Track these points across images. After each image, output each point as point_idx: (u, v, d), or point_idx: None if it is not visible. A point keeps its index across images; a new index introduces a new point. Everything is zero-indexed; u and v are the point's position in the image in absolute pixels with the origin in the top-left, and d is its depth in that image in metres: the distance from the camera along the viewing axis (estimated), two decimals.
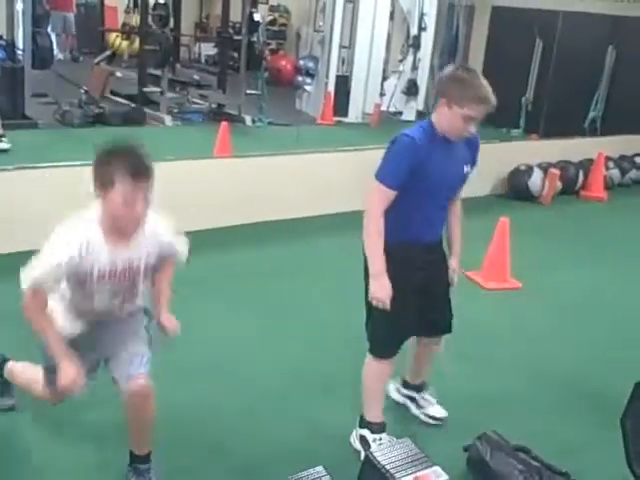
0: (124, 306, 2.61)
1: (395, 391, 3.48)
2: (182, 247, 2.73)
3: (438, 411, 3.36)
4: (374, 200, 2.77)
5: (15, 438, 2.99)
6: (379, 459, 2.48)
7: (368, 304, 2.90)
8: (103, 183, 2.32)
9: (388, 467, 2.45)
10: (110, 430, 2.98)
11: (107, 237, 2.41)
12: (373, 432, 3.05)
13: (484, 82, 2.74)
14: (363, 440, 3.06)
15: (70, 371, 2.41)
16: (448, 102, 2.72)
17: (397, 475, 2.43)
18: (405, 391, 3.45)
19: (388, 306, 2.77)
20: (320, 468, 2.50)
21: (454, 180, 2.94)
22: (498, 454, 2.94)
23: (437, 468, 2.51)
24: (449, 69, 2.89)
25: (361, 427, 3.09)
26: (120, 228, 2.41)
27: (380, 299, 2.78)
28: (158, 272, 2.70)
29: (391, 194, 2.75)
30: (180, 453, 2.98)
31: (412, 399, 3.42)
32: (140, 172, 2.30)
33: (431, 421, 3.34)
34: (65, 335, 2.51)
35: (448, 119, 2.75)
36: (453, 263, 3.13)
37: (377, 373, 3.05)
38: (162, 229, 2.61)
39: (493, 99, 2.73)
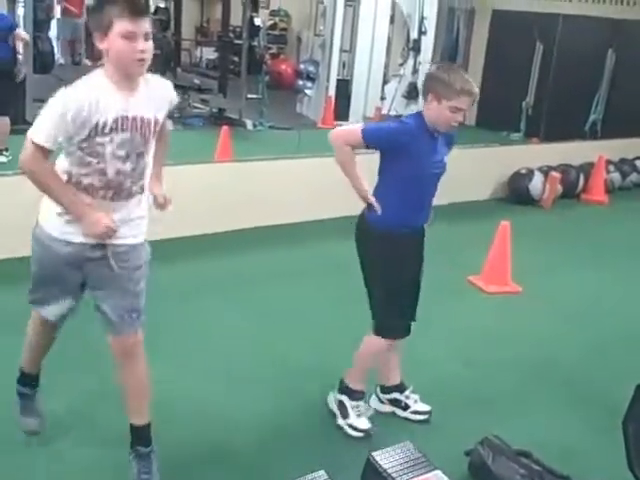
0: (135, 176, 2.52)
1: (377, 401, 3.49)
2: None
3: (422, 406, 3.42)
4: (343, 136, 3.05)
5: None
6: (381, 463, 2.49)
7: (373, 291, 3.17)
8: (102, 27, 2.34)
9: (390, 471, 2.46)
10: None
11: (115, 86, 2.40)
12: (352, 399, 3.28)
13: (466, 76, 3.02)
14: (341, 405, 3.30)
15: (98, 216, 2.42)
16: (437, 97, 2.96)
17: (399, 479, 2.43)
18: (387, 396, 3.47)
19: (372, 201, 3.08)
20: (322, 472, 2.50)
21: (438, 168, 3.16)
22: (500, 458, 2.94)
23: (438, 472, 2.52)
24: (433, 67, 3.20)
25: (340, 392, 3.32)
26: (126, 70, 2.39)
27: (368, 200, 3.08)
28: (157, 142, 2.68)
29: (361, 143, 3.01)
30: (180, 451, 2.99)
31: (397, 402, 3.44)
32: (136, 7, 2.33)
33: (418, 417, 3.39)
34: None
35: (438, 112, 2.98)
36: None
37: (377, 350, 3.27)
38: (169, 86, 2.64)
39: (476, 90, 2.99)
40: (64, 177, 2.47)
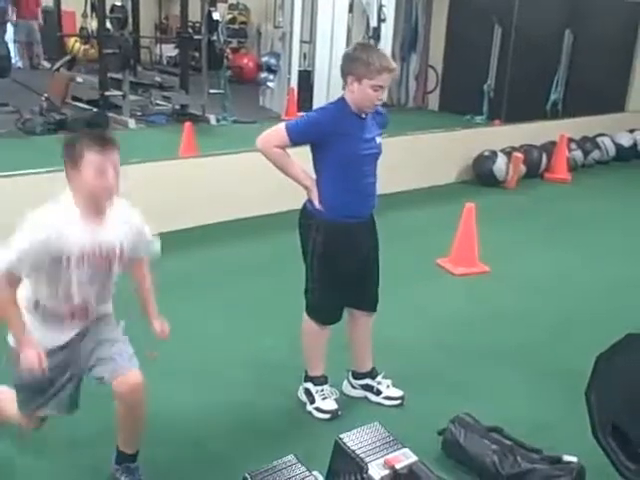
0: (99, 299, 2.59)
1: (349, 387, 3.54)
2: (154, 241, 2.77)
3: (395, 392, 3.46)
4: (269, 137, 3.10)
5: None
6: (349, 444, 2.51)
7: (309, 271, 3.24)
8: (73, 160, 2.38)
9: (358, 452, 2.49)
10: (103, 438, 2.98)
11: (82, 216, 2.43)
12: (316, 384, 3.38)
13: (382, 52, 3.09)
14: (307, 392, 3.40)
15: (31, 354, 2.42)
16: (357, 78, 2.99)
17: (367, 459, 2.47)
18: (359, 382, 3.52)
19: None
20: (291, 456, 2.53)
21: (371, 149, 3.17)
22: (472, 435, 3.00)
23: (407, 450, 2.55)
24: (348, 49, 3.19)
25: (305, 381, 3.42)
26: (94, 202, 2.42)
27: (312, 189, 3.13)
28: (136, 272, 2.76)
29: (286, 141, 3.06)
30: (150, 448, 3.00)
31: (369, 387, 3.49)
32: (106, 141, 2.40)
33: (392, 402, 3.44)
34: (43, 349, 2.49)
35: (361, 93, 3.01)
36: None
37: (313, 333, 3.33)
38: (135, 214, 2.65)
39: (394, 65, 3.04)
40: (26, 303, 2.49)
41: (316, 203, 3.11)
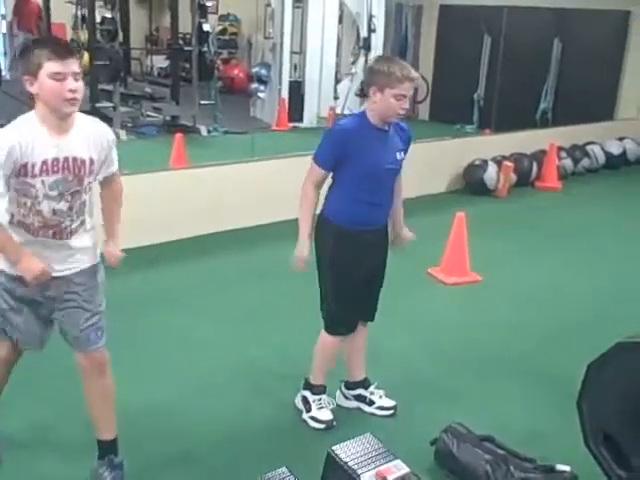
0: (73, 214, 2.55)
1: (342, 398, 3.54)
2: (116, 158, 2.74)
3: (388, 402, 3.46)
4: (307, 176, 3.15)
5: None
6: (341, 456, 2.51)
7: (323, 286, 3.25)
8: (31, 70, 2.39)
9: (350, 463, 2.48)
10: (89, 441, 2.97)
11: (46, 126, 2.43)
12: (314, 393, 3.39)
13: (404, 63, 3.09)
14: (305, 400, 3.40)
15: (33, 262, 2.45)
16: (380, 88, 3.02)
17: (359, 471, 2.46)
18: (352, 392, 3.51)
19: (303, 269, 3.14)
20: (284, 469, 2.53)
21: (390, 164, 3.18)
22: (464, 445, 2.99)
23: (398, 461, 2.55)
24: (370, 62, 3.25)
25: (304, 389, 3.42)
26: (57, 110, 2.41)
27: (299, 263, 3.14)
28: (107, 190, 2.74)
29: (322, 173, 3.12)
30: (144, 458, 3.00)
31: (362, 398, 3.49)
32: (62, 50, 2.40)
33: (384, 412, 3.43)
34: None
35: (384, 102, 3.03)
36: (396, 230, 3.42)
37: (330, 347, 3.35)
38: (103, 127, 2.64)
39: (415, 74, 3.06)
40: (7, 217, 2.50)
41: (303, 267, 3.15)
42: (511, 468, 2.86)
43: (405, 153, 3.24)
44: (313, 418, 3.34)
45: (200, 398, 3.55)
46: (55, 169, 2.45)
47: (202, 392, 3.61)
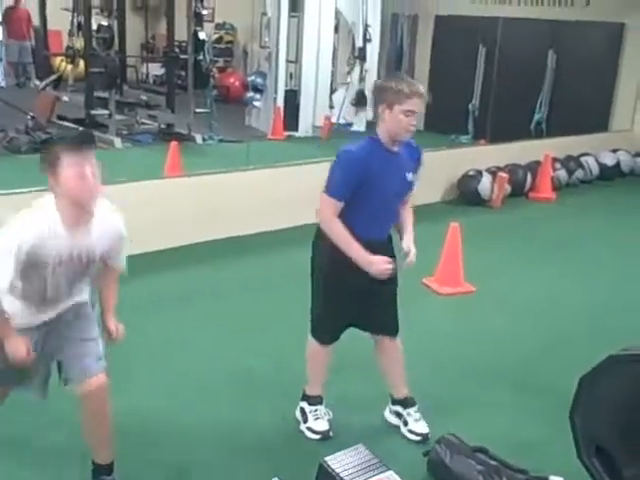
0: (73, 293, 2.61)
1: (388, 412, 3.50)
2: (124, 256, 2.76)
3: (421, 427, 3.36)
4: (325, 211, 3.06)
5: None
6: (333, 467, 2.51)
7: (314, 291, 3.26)
8: (51, 164, 2.39)
9: (342, 475, 2.48)
10: (71, 451, 2.96)
11: (65, 221, 2.44)
12: (310, 404, 3.39)
13: (411, 80, 3.11)
14: (302, 411, 3.41)
15: (20, 344, 2.47)
16: (388, 106, 3.01)
17: None
18: (393, 407, 3.47)
19: (389, 271, 3.03)
20: (276, 479, 2.52)
21: (399, 187, 3.16)
22: (457, 456, 2.99)
23: (391, 472, 2.55)
24: (377, 81, 3.23)
25: (302, 400, 3.44)
26: (78, 205, 2.43)
27: (379, 270, 3.01)
28: (104, 279, 2.76)
29: (339, 205, 3.03)
30: (137, 469, 2.98)
31: (399, 415, 3.43)
32: (82, 142, 2.43)
33: (413, 437, 3.35)
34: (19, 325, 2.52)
35: (392, 120, 3.01)
36: (405, 243, 3.29)
37: (314, 353, 3.36)
38: (118, 219, 2.66)
39: (423, 90, 3.04)
40: (7, 285, 2.48)
41: (379, 271, 3.04)
42: (504, 479, 2.85)
43: (416, 172, 3.21)
44: (309, 429, 3.34)
45: (194, 406, 3.55)
46: (67, 263, 2.49)
47: (196, 400, 3.61)
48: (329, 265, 3.17)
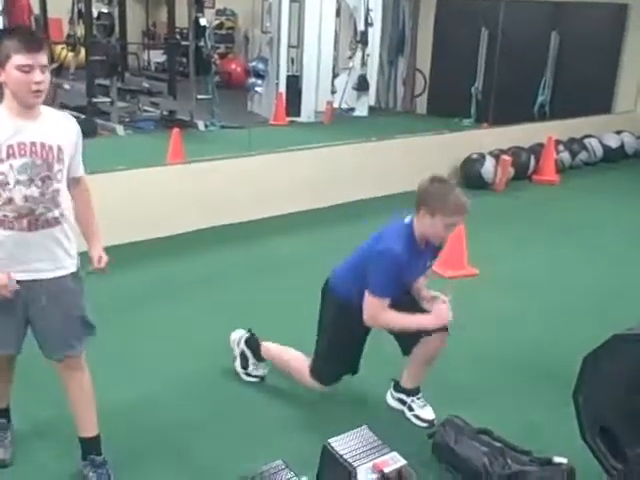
0: (46, 202, 2.52)
1: (390, 396, 3.51)
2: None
3: (427, 413, 3.37)
4: (374, 310, 3.06)
5: None
6: (337, 449, 2.52)
7: (319, 339, 3.33)
8: (1, 61, 2.42)
9: (346, 457, 2.49)
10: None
11: (13, 113, 2.47)
12: (256, 359, 3.63)
13: (458, 190, 3.01)
14: (242, 355, 3.66)
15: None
16: (432, 212, 2.95)
17: (355, 464, 2.47)
18: (396, 394, 3.47)
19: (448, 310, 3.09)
20: (279, 462, 2.53)
21: (419, 275, 3.23)
22: (462, 438, 2.99)
23: (395, 454, 2.55)
24: (426, 181, 3.07)
25: (247, 346, 3.65)
26: (23, 101, 2.45)
27: (442, 317, 3.08)
28: (75, 192, 2.72)
29: (384, 302, 3.04)
30: (133, 456, 3.00)
31: (402, 402, 3.44)
32: (32, 43, 2.44)
33: (419, 422, 3.35)
34: None
35: (432, 227, 2.99)
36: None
37: (306, 382, 3.41)
38: (73, 122, 2.66)
39: (469, 206, 2.99)
40: None
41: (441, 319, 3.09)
42: (508, 460, 2.86)
43: (435, 258, 3.30)
44: (248, 374, 3.64)
45: (192, 393, 3.56)
46: (22, 152, 2.46)
47: (194, 387, 3.62)
48: (336, 325, 3.26)
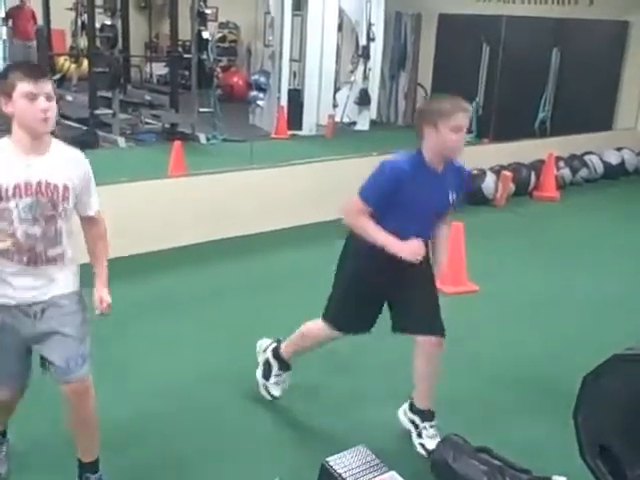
0: (46, 242, 2.51)
1: (402, 413, 3.41)
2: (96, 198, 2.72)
3: (431, 444, 3.23)
4: (350, 209, 3.03)
5: None
6: (335, 468, 2.51)
7: (335, 279, 3.23)
8: (6, 92, 2.45)
9: (345, 475, 2.48)
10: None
11: (20, 148, 2.47)
12: (280, 368, 3.50)
13: (452, 96, 3.04)
14: (267, 366, 3.54)
15: None
16: (433, 125, 2.95)
17: None
18: (410, 414, 3.36)
19: (422, 252, 2.95)
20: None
21: (439, 207, 3.13)
22: (461, 456, 2.98)
23: (393, 473, 2.55)
24: (420, 104, 3.09)
25: (272, 354, 3.53)
26: (31, 130, 2.45)
27: (410, 254, 2.93)
28: (87, 230, 2.72)
29: (366, 209, 2.99)
30: (131, 464, 2.98)
31: (414, 425, 3.32)
32: (36, 72, 2.47)
33: (420, 450, 3.25)
34: None
35: (440, 138, 2.95)
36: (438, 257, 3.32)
37: (318, 330, 3.33)
38: (82, 157, 2.65)
39: (465, 104, 3.02)
40: None
41: (412, 252, 2.95)
42: (507, 479, 2.85)
43: (459, 193, 3.15)
44: (266, 387, 3.50)
45: (191, 407, 3.55)
46: (28, 192, 2.46)
47: (194, 401, 3.61)
48: (355, 269, 3.16)
